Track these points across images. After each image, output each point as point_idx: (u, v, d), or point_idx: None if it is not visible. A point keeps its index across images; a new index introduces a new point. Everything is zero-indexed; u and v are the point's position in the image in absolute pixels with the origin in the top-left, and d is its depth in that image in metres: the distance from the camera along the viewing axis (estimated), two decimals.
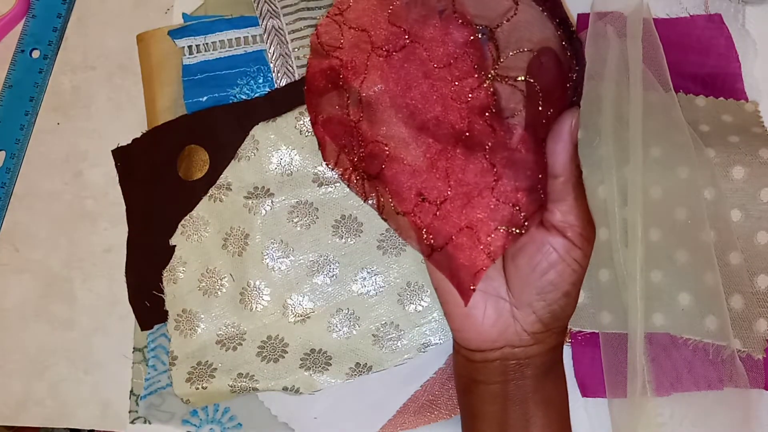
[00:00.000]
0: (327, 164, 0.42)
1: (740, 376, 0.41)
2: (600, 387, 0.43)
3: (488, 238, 0.35)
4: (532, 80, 0.35)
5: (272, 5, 0.47)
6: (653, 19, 0.46)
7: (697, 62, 0.47)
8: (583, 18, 0.48)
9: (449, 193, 0.38)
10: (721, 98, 0.47)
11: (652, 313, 0.43)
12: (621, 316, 0.43)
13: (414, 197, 0.39)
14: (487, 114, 0.37)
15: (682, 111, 0.44)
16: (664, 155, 0.43)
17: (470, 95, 0.37)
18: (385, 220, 0.40)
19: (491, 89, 0.36)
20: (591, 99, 0.44)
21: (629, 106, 0.43)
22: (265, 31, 0.47)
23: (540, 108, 0.35)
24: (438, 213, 0.38)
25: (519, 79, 0.35)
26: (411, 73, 0.39)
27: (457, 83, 0.38)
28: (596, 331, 0.44)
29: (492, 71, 0.36)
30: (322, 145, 0.42)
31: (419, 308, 0.44)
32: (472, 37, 0.36)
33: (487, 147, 0.37)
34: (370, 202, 0.41)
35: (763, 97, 0.47)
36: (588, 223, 0.35)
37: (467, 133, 0.37)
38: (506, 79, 0.36)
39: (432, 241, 0.38)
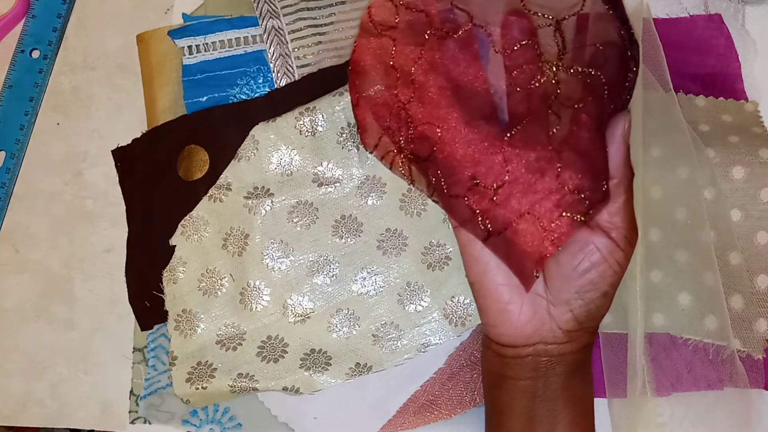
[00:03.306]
0: (366, 148, 0.41)
1: (740, 376, 0.41)
2: (600, 387, 0.43)
3: (552, 225, 0.35)
4: (599, 73, 0.35)
5: (272, 5, 0.48)
6: (653, 19, 0.46)
7: (697, 62, 0.47)
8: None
9: (507, 177, 0.37)
10: (721, 98, 0.47)
11: (652, 313, 0.43)
12: (621, 316, 0.43)
13: (467, 181, 0.38)
14: (551, 101, 0.36)
15: (682, 111, 0.44)
16: (664, 155, 0.43)
17: (533, 83, 0.37)
18: (436, 202, 0.40)
19: (555, 78, 0.36)
20: None
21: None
22: (265, 31, 0.47)
23: (604, 100, 0.35)
24: (496, 198, 0.37)
25: (584, 70, 0.35)
26: (470, 56, 0.39)
27: (519, 70, 0.37)
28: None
29: (558, 61, 0.36)
30: (361, 128, 0.40)
31: (419, 308, 0.44)
32: (537, 27, 0.36)
33: (552, 133, 0.36)
34: (416, 185, 0.40)
35: (763, 97, 0.47)
36: (632, 226, 0.35)
37: (528, 119, 0.37)
38: (572, 70, 0.36)
39: (489, 225, 0.37)
